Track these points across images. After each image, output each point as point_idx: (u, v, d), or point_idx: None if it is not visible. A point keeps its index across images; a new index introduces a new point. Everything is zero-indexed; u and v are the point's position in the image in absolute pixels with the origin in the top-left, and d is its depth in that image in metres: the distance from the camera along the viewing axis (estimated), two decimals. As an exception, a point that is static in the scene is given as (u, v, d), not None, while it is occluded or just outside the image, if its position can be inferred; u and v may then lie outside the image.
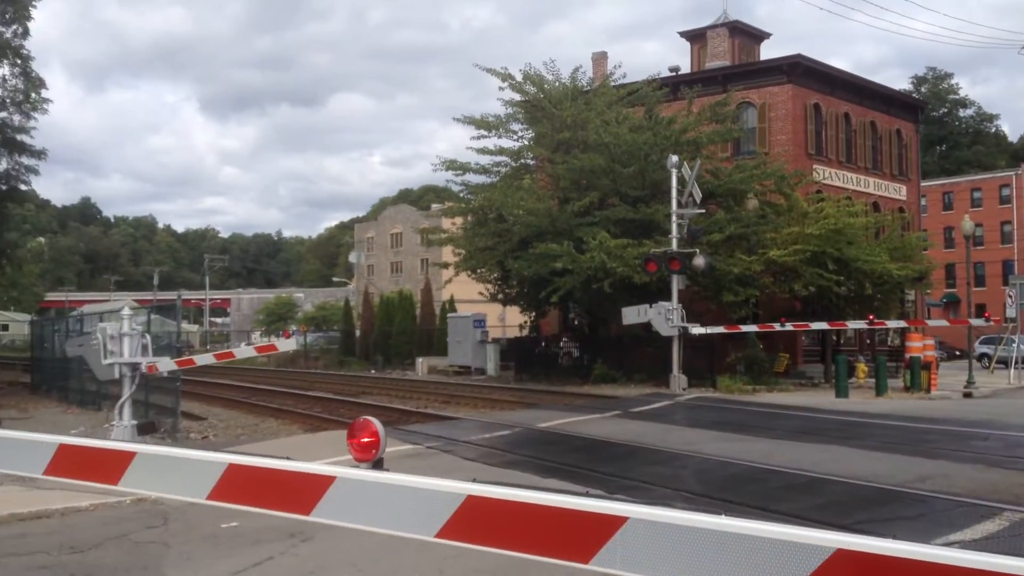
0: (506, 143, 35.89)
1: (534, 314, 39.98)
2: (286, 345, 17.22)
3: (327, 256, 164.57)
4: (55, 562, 8.59)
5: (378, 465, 3.14)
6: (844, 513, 10.10)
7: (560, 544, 2.63)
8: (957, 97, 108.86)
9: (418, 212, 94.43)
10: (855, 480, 12.01)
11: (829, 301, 32.61)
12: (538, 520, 2.66)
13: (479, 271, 37.57)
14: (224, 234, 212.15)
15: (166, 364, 16.44)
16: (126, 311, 16.17)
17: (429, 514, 2.85)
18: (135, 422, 16.25)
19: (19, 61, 35.09)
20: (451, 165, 35.65)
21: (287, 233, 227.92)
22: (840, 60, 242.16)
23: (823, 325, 30.71)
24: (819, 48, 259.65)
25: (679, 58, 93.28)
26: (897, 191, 45.21)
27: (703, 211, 29.83)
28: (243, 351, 19.18)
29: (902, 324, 33.52)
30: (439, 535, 2.84)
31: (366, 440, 3.18)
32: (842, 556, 2.25)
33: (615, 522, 2.54)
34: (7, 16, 34.60)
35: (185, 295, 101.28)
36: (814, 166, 39.38)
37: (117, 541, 9.29)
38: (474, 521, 2.77)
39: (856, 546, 2.25)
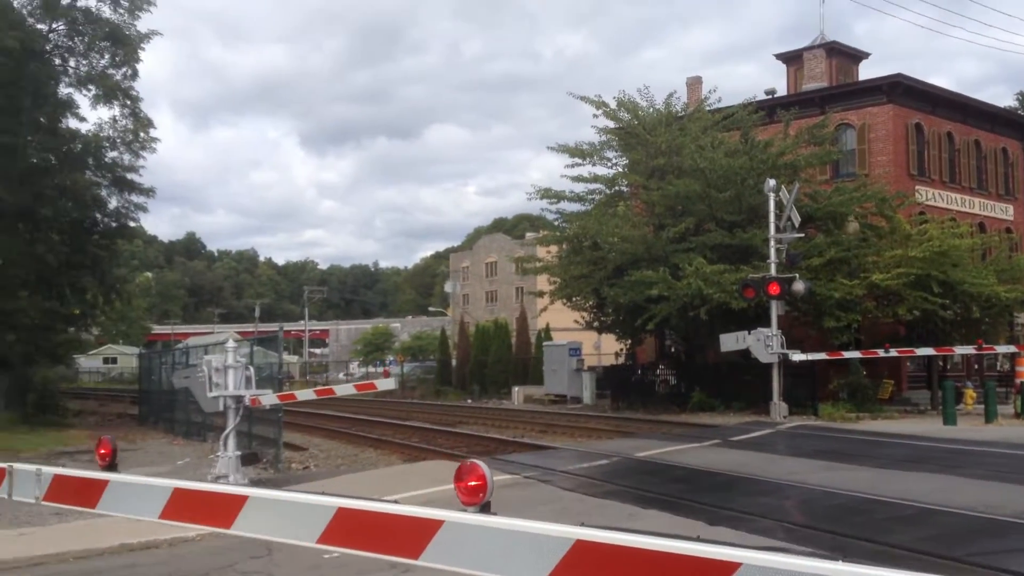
0: (600, 170, 35.90)
1: (630, 342, 39.72)
2: (386, 385, 17.48)
3: (423, 286, 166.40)
4: (164, 592, 8.81)
5: (485, 509, 3.15)
6: (955, 545, 9.75)
7: (671, 590, 2.59)
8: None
9: (513, 241, 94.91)
10: (966, 511, 11.59)
11: (935, 325, 31.70)
12: (648, 566, 2.63)
13: (574, 299, 37.52)
14: (323, 266, 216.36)
15: (269, 399, 16.77)
16: (230, 344, 16.56)
17: (538, 558, 2.84)
18: (239, 453, 16.59)
19: (128, 102, 36.33)
20: (545, 194, 35.78)
21: (384, 264, 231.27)
22: (942, 78, 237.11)
23: (929, 351, 29.88)
24: (920, 67, 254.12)
25: (775, 81, 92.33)
26: (1004, 211, 43.81)
27: (802, 235, 29.35)
28: (343, 389, 19.50)
29: (1012, 349, 32.37)
30: (547, 580, 2.83)
31: (473, 483, 3.19)
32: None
33: (727, 568, 2.50)
34: (117, 59, 35.92)
35: (285, 327, 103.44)
36: (916, 187, 38.44)
37: (222, 571, 9.47)
38: (582, 566, 2.75)
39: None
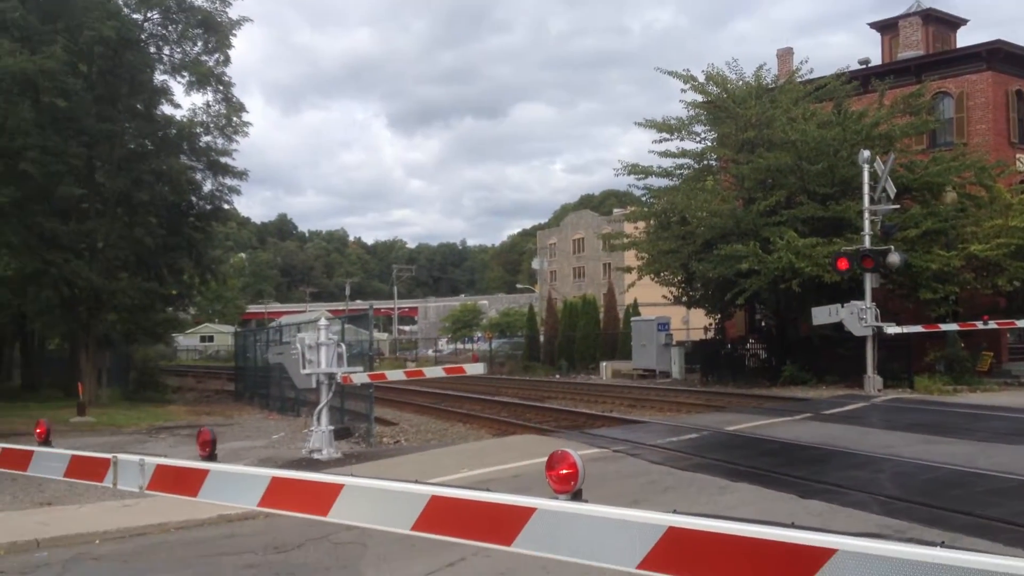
0: (688, 145, 35.48)
1: (719, 316, 39.34)
2: (474, 369, 17.73)
3: (510, 263, 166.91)
4: (261, 561, 9.05)
5: (577, 496, 3.17)
6: (1058, 518, 9.49)
7: (763, 576, 2.59)
8: None
9: (600, 217, 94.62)
10: (1069, 484, 11.28)
11: (1036, 296, 30.75)
12: (741, 552, 2.62)
13: (662, 274, 37.26)
14: (411, 244, 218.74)
15: (360, 377, 17.08)
16: (322, 322, 16.89)
17: (630, 545, 2.86)
18: (332, 427, 16.95)
19: (221, 88, 37.00)
20: (633, 169, 35.54)
21: (471, 242, 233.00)
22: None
23: (1030, 322, 28.96)
24: (1022, 32, 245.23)
25: (869, 50, 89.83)
26: (1110, 178, 42.14)
27: (897, 207, 28.65)
28: (432, 371, 19.85)
29: (1118, 319, 31.18)
30: (640, 566, 2.84)
31: (564, 472, 3.21)
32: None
33: (822, 555, 2.48)
34: (209, 46, 36.60)
35: (375, 305, 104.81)
36: (1017, 155, 37.18)
37: (317, 542, 9.69)
38: (675, 553, 2.76)
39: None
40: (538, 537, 3.10)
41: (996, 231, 29.72)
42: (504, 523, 3.18)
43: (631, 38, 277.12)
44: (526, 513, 3.13)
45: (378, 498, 3.64)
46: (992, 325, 27.79)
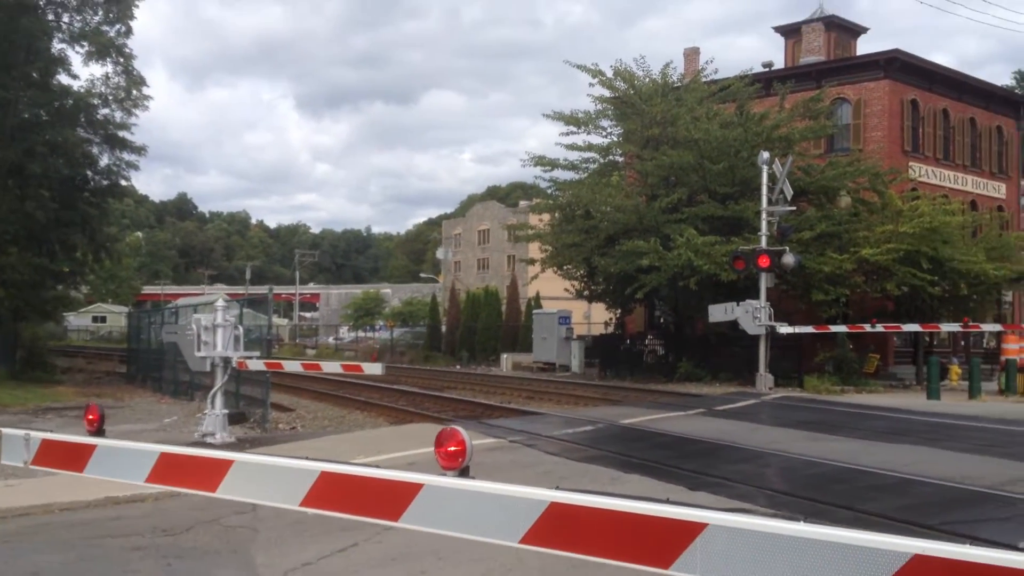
0: (595, 139, 35.85)
1: (619, 311, 39.84)
2: (372, 369, 17.53)
3: (415, 252, 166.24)
4: (149, 543, 8.88)
5: (464, 473, 3.23)
6: (931, 514, 9.87)
7: (640, 550, 2.68)
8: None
9: (506, 209, 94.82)
10: (944, 481, 11.74)
11: (922, 301, 31.85)
12: (619, 526, 2.70)
13: (565, 268, 37.61)
14: (315, 230, 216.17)
15: (256, 364, 16.85)
16: (220, 303, 16.62)
17: (513, 520, 2.92)
18: (226, 411, 16.70)
19: (121, 59, 36.04)
20: (539, 161, 35.73)
21: (376, 229, 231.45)
22: (942, 56, 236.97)
23: (915, 327, 30.02)
24: (920, 43, 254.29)
25: (774, 54, 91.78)
26: (996, 189, 43.90)
27: (794, 208, 29.39)
28: (330, 366, 19.71)
29: (998, 327, 32.60)
30: (523, 541, 2.91)
31: (453, 449, 3.27)
32: (920, 562, 2.25)
33: (694, 528, 2.58)
34: (111, 16, 35.64)
35: (276, 290, 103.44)
36: (910, 163, 38.48)
37: (208, 525, 9.55)
38: (556, 527, 2.83)
39: (934, 552, 2.25)
40: (425, 513, 3.14)
41: (887, 236, 30.68)
42: (392, 499, 3.21)
43: (544, 31, 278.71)
44: (414, 489, 3.17)
45: (268, 474, 3.63)
46: (879, 328, 28.72)
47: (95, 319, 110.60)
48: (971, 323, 29.85)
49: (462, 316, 56.24)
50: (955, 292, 32.17)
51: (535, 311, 46.63)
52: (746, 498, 10.68)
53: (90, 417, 4.55)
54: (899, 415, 21.03)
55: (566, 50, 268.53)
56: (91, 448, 4.26)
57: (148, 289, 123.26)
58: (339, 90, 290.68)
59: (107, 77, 36.12)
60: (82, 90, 36.23)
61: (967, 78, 43.37)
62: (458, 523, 3.08)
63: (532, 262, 39.48)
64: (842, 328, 29.65)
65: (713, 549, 2.54)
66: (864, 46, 45.45)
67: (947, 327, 31.13)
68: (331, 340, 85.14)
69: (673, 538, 2.61)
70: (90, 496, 10.73)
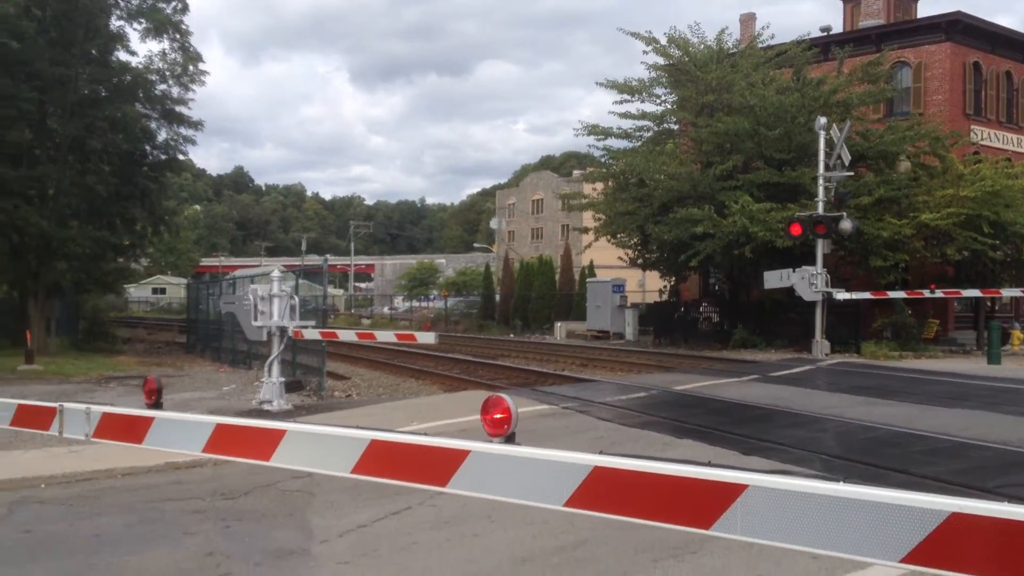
0: (649, 107, 35.59)
1: (674, 279, 39.69)
2: (426, 338, 17.59)
3: (469, 223, 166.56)
4: (208, 507, 9.08)
5: (510, 440, 3.28)
6: (987, 477, 9.76)
7: (682, 512, 2.71)
8: None
9: (559, 178, 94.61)
10: (1002, 445, 11.59)
11: (983, 266, 31.32)
12: (661, 489, 2.74)
13: (619, 236, 37.50)
14: (369, 201, 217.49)
15: (311, 333, 17.03)
16: (276, 274, 16.82)
17: (557, 485, 2.96)
18: (283, 380, 16.91)
19: (178, 36, 36.34)
20: (593, 130, 35.58)
21: (430, 200, 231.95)
22: (1006, 17, 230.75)
23: (975, 292, 29.50)
24: (983, 5, 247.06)
25: (833, 18, 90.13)
26: (1061, 152, 42.83)
27: (851, 174, 28.99)
28: (384, 335, 19.85)
29: (1059, 292, 31.89)
30: (567, 504, 2.95)
31: (499, 416, 3.32)
32: (957, 519, 2.26)
33: (735, 490, 2.60)
34: (168, -8, 35.95)
35: (331, 260, 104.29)
36: (972, 127, 37.69)
37: (265, 489, 9.74)
38: (600, 491, 2.87)
39: (972, 510, 2.25)
40: (472, 478, 3.20)
41: (947, 201, 30.16)
42: (440, 465, 3.28)
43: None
44: (461, 455, 3.23)
45: (319, 443, 3.72)
46: (939, 294, 28.29)
47: (155, 291, 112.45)
48: (1032, 288, 29.29)
49: (516, 285, 56.35)
50: (1017, 256, 31.60)
51: (589, 279, 46.62)
52: (800, 462, 10.63)
53: (148, 389, 4.68)
54: (958, 380, 20.73)
55: (620, 18, 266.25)
56: (149, 421, 4.39)
57: (206, 261, 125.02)
58: (393, 62, 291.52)
59: (164, 53, 36.50)
60: (140, 66, 36.64)
61: (1031, 38, 42.27)
62: (504, 488, 3.13)
63: (586, 231, 39.36)
64: (900, 294, 29.24)
65: (753, 510, 2.57)
66: (925, 8, 44.76)
67: (1008, 292, 30.55)
68: (386, 310, 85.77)
69: (714, 500, 2.64)
70: (151, 462, 10.98)
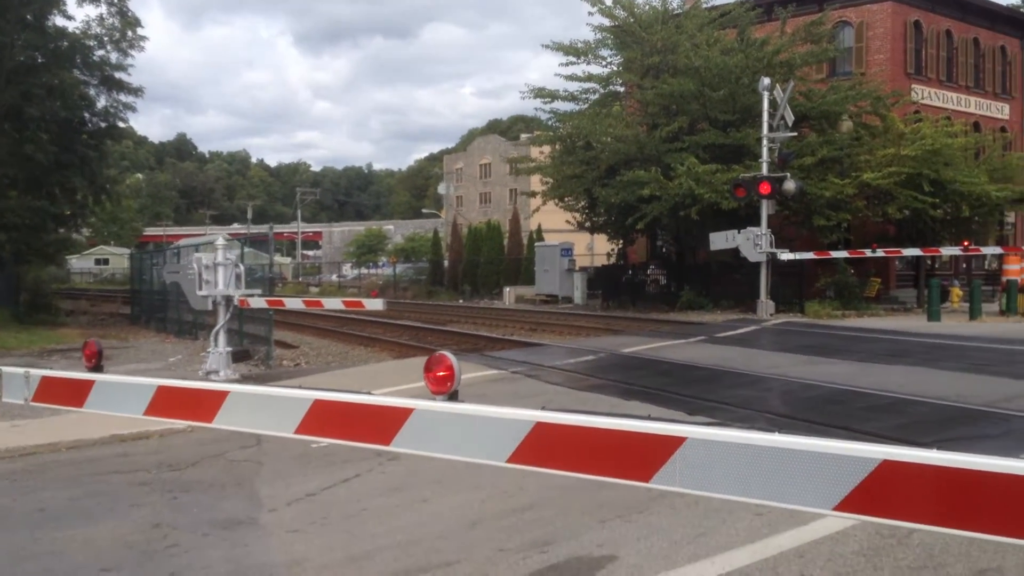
0: (595, 69, 35.52)
1: (621, 242, 39.88)
2: (373, 305, 17.52)
3: (417, 188, 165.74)
4: (155, 479, 9.02)
5: (453, 397, 3.29)
6: (926, 432, 9.98)
7: (623, 465, 2.74)
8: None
9: (507, 143, 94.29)
10: (940, 400, 11.84)
11: (924, 224, 31.83)
12: (601, 443, 2.77)
13: (566, 199, 37.57)
14: (316, 168, 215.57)
15: (257, 302, 16.88)
16: (220, 241, 16.63)
17: (500, 441, 2.98)
18: (229, 349, 16.78)
19: (115, 0, 35.71)
20: (539, 93, 35.44)
21: (377, 166, 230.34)
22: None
23: (916, 251, 29.99)
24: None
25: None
26: (999, 110, 43.56)
27: (795, 134, 29.24)
28: (332, 303, 19.73)
29: (997, 250, 32.56)
30: (510, 460, 2.97)
31: (442, 374, 3.33)
32: (888, 467, 2.31)
33: (674, 443, 2.64)
34: (102, -45, 35.15)
35: (277, 228, 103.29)
36: (913, 86, 38.17)
37: (212, 460, 9.71)
38: (542, 447, 2.89)
39: (902, 456, 2.30)
40: (415, 436, 3.21)
41: (888, 160, 30.58)
42: (383, 424, 3.28)
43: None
44: (404, 414, 3.23)
45: (263, 404, 3.70)
46: (880, 253, 28.74)
47: (98, 262, 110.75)
48: (971, 246, 29.82)
49: (465, 251, 56.30)
50: (957, 214, 32.14)
51: (537, 244, 46.67)
52: (745, 421, 10.79)
53: (88, 352, 4.61)
54: (899, 337, 21.12)
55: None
56: (90, 383, 4.33)
57: (150, 231, 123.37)
58: (338, 25, 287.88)
59: (102, 18, 35.83)
60: (77, 32, 35.92)
61: (971, -2, 42.83)
62: (447, 446, 3.15)
63: (534, 195, 39.37)
64: (843, 253, 29.68)
65: (692, 462, 2.60)
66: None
67: (948, 250, 31.13)
68: (334, 278, 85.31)
69: (653, 452, 2.67)
70: (96, 435, 10.88)
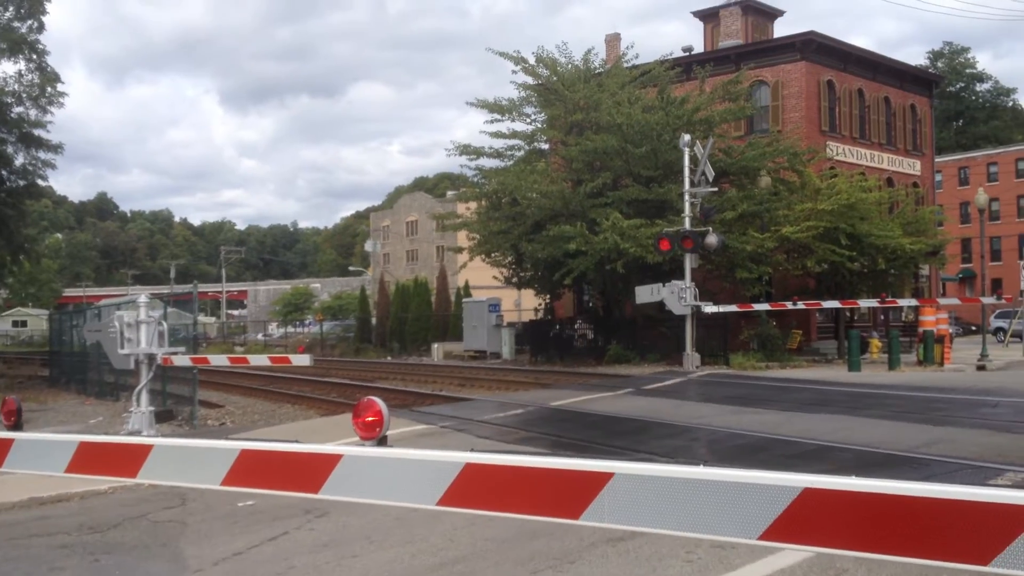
0: (519, 126, 35.99)
1: (548, 297, 40.07)
2: (300, 360, 17.33)
3: (343, 246, 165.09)
4: (76, 541, 8.78)
5: (382, 442, 3.28)
6: (849, 476, 10.15)
7: (552, 503, 2.76)
8: (974, 71, 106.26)
9: (434, 200, 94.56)
10: (862, 447, 12.10)
11: (842, 277, 32.61)
12: (530, 482, 2.78)
13: (493, 255, 37.71)
14: (241, 226, 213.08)
15: (181, 359, 16.60)
16: (143, 299, 16.35)
17: (430, 484, 2.98)
18: (152, 409, 16.42)
19: (35, 56, 35.30)
20: (465, 150, 35.75)
21: (303, 224, 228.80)
22: (861, 38, 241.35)
23: (835, 304, 30.66)
24: (838, 26, 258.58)
25: (694, 39, 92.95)
26: (911, 166, 45.04)
27: (716, 190, 29.85)
28: (257, 359, 19.43)
29: (913, 303, 33.46)
30: (440, 503, 2.96)
31: (370, 419, 3.31)
32: (810, 494, 2.37)
33: (602, 478, 2.67)
34: (22, 11, 34.80)
35: (202, 288, 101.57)
36: (827, 142, 39.31)
37: (135, 521, 9.48)
38: (472, 488, 2.89)
39: (821, 484, 2.37)
40: (345, 482, 3.18)
41: (806, 214, 31.33)
42: (312, 471, 3.25)
43: (471, 20, 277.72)
44: (333, 460, 3.21)
45: (188, 456, 3.64)
46: (801, 306, 29.31)
47: (15, 323, 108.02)
48: (888, 298, 30.61)
49: (392, 308, 56.01)
50: (873, 267, 33.00)
51: (464, 300, 46.68)
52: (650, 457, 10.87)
53: (6, 411, 4.52)
54: (821, 387, 21.54)
55: (494, 39, 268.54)
56: (9, 442, 4.23)
57: (70, 291, 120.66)
58: (264, 84, 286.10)
59: (20, 74, 35.34)
60: (-6, 88, 35.39)
61: (881, 58, 44.43)
62: (377, 491, 3.13)
63: (460, 250, 39.51)
64: (765, 306, 30.23)
65: (620, 497, 2.64)
66: (781, 29, 46.33)
67: (865, 303, 31.88)
68: (260, 337, 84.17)
69: (582, 489, 2.70)
70: (13, 497, 10.56)
